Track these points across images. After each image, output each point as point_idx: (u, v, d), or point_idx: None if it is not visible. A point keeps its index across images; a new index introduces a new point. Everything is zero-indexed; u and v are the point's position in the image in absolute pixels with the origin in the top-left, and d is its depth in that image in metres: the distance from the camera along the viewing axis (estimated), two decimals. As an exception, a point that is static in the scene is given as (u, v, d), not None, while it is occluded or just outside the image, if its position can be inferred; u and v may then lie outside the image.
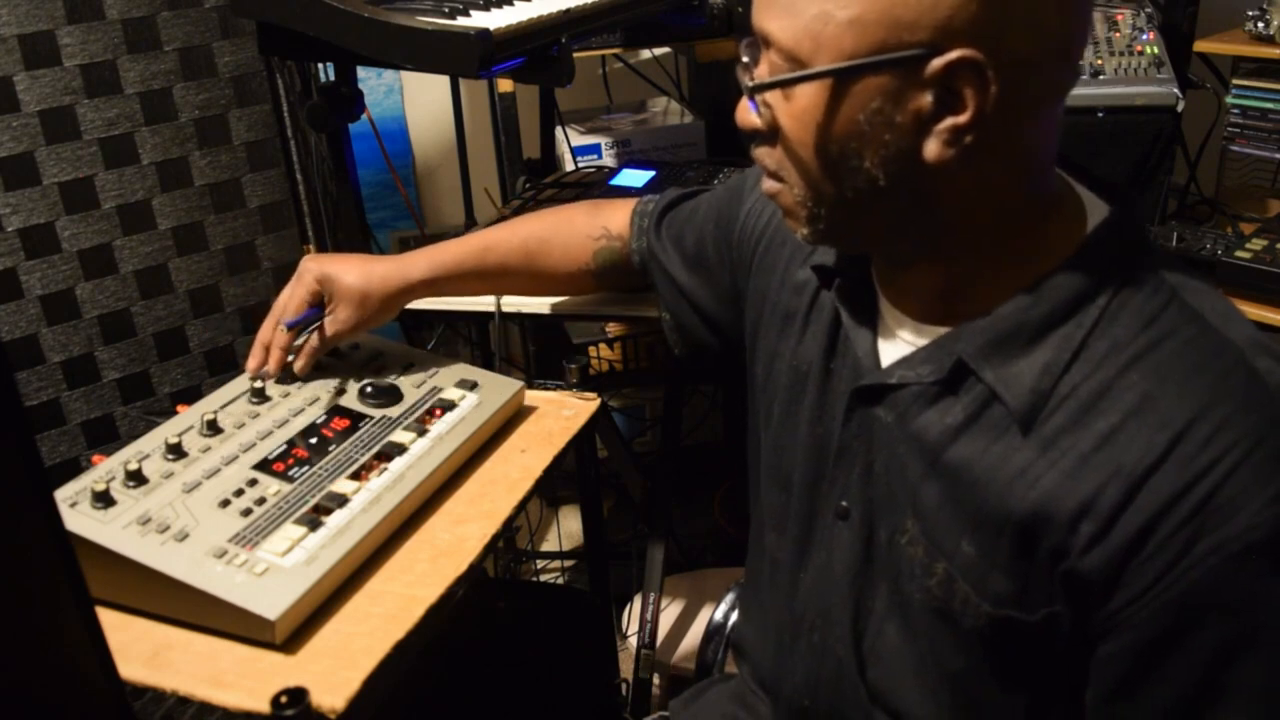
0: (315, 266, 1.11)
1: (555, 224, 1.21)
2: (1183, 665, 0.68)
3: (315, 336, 1.10)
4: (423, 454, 1.01)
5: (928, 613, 0.79)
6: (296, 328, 1.09)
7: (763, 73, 0.75)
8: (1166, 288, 0.73)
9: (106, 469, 0.92)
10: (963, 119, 0.67)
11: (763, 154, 0.79)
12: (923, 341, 0.80)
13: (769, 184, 0.80)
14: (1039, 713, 0.77)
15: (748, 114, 0.77)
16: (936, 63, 0.66)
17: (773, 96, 0.74)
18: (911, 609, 0.81)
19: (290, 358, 1.11)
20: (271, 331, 1.10)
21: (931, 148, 0.69)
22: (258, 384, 1.06)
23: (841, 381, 0.86)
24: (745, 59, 0.76)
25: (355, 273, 1.10)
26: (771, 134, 0.76)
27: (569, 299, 1.32)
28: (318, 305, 1.11)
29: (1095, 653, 0.71)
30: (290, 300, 1.11)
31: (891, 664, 0.84)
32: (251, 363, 1.10)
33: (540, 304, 1.35)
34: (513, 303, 1.33)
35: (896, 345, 0.82)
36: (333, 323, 1.10)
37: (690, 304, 1.13)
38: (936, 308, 0.79)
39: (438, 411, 1.08)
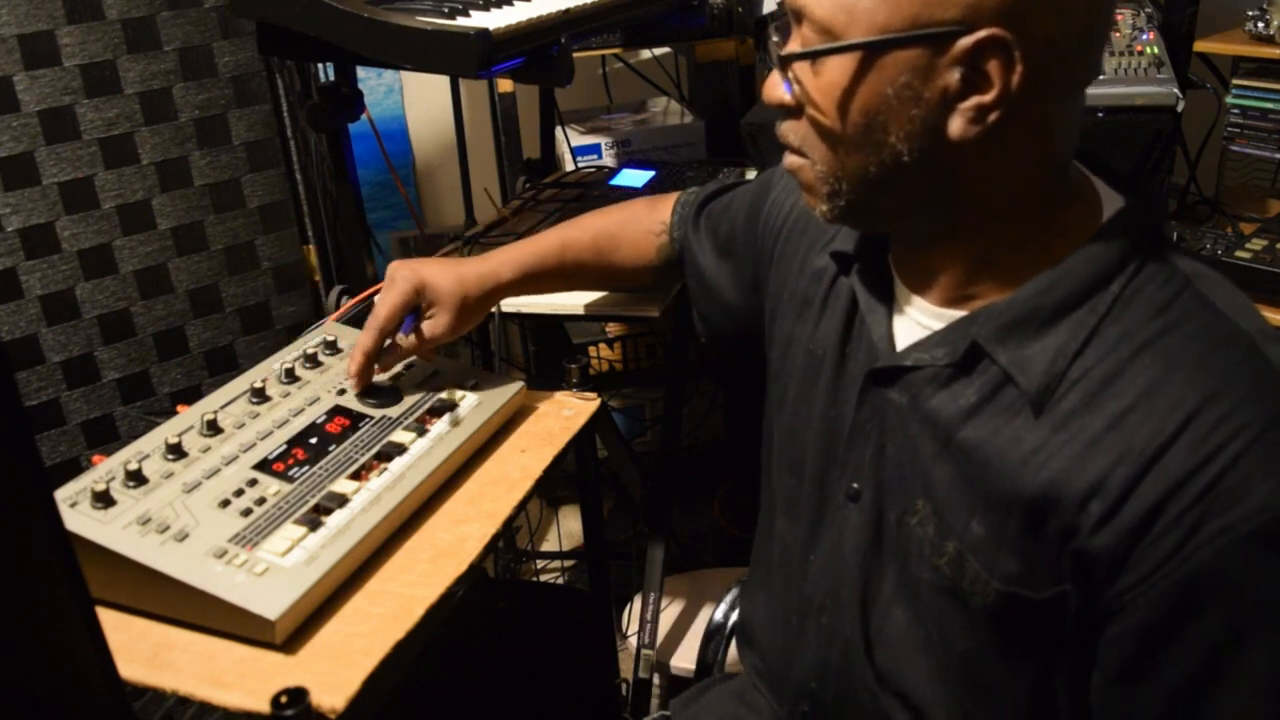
0: (409, 273, 1.10)
1: (621, 221, 1.23)
2: (1188, 647, 0.69)
3: (413, 338, 1.10)
4: (423, 454, 1.01)
5: (937, 593, 0.80)
6: (408, 336, 1.09)
7: (794, 47, 0.76)
8: (1180, 277, 0.74)
9: (106, 469, 0.92)
10: (988, 98, 0.69)
11: (787, 129, 0.80)
12: (937, 325, 0.81)
13: (791, 159, 0.81)
14: (1044, 694, 0.78)
15: (774, 89, 0.79)
16: (965, 41, 0.68)
17: (802, 70, 0.75)
18: (920, 590, 0.81)
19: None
20: (374, 341, 1.08)
21: (956, 125, 0.71)
22: (258, 384, 1.06)
23: (856, 365, 0.87)
24: (775, 37, 0.78)
25: (450, 278, 1.11)
26: (797, 109, 0.78)
27: (568, 298, 1.33)
28: (413, 313, 1.11)
29: (1102, 634, 0.72)
30: (388, 309, 1.09)
31: (899, 646, 0.85)
32: (353, 367, 1.08)
33: (540, 304, 1.36)
34: (512, 302, 1.33)
35: (911, 329, 0.83)
36: (432, 326, 1.10)
37: (711, 289, 1.16)
38: (952, 292, 0.80)
39: (438, 411, 1.08)
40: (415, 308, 1.11)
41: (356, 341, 1.09)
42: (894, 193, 0.76)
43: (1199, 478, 0.66)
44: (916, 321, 0.83)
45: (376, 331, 1.08)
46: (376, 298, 1.11)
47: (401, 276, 1.10)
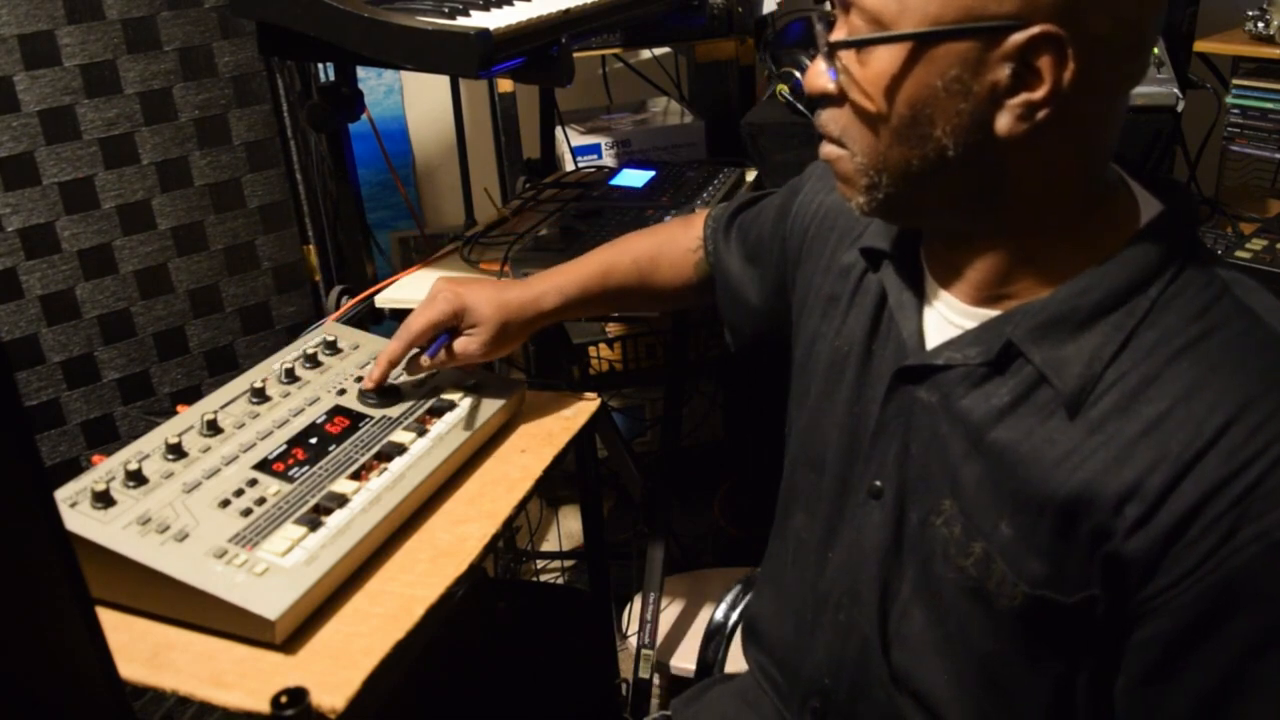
0: (451, 295, 1.10)
1: (658, 242, 1.23)
2: (1217, 651, 0.68)
3: (442, 355, 1.10)
4: (423, 454, 1.01)
5: (960, 593, 0.79)
6: (435, 357, 1.09)
7: (841, 36, 0.75)
8: (1219, 282, 0.73)
9: (106, 469, 0.92)
10: (1038, 95, 0.69)
11: (827, 118, 0.79)
12: (970, 324, 0.80)
13: (828, 149, 0.80)
14: (1065, 696, 0.77)
15: (819, 77, 0.78)
16: (1018, 36, 0.67)
17: (848, 59, 0.75)
18: (942, 591, 0.81)
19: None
20: (401, 352, 1.09)
21: (1004, 121, 0.70)
22: (258, 384, 1.06)
23: (883, 363, 0.87)
24: (819, 26, 0.78)
25: (493, 304, 1.11)
26: (840, 98, 0.77)
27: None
28: (448, 331, 1.10)
29: (1130, 637, 0.72)
30: (424, 324, 1.09)
31: (916, 646, 0.84)
32: (376, 373, 1.08)
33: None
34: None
35: (942, 327, 0.83)
36: (464, 345, 1.10)
37: (736, 294, 1.15)
38: (986, 290, 0.79)
39: (438, 411, 1.08)
40: (450, 328, 1.10)
41: (383, 349, 1.08)
42: (934, 187, 0.76)
43: (1236, 483, 0.66)
44: (947, 319, 0.82)
45: (405, 344, 1.08)
46: (413, 309, 1.10)
47: (443, 296, 1.09)
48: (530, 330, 1.16)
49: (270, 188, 1.80)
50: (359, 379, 1.11)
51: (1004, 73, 0.69)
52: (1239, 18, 1.85)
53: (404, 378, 1.12)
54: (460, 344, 1.10)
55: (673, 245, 1.22)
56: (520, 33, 1.18)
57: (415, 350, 1.10)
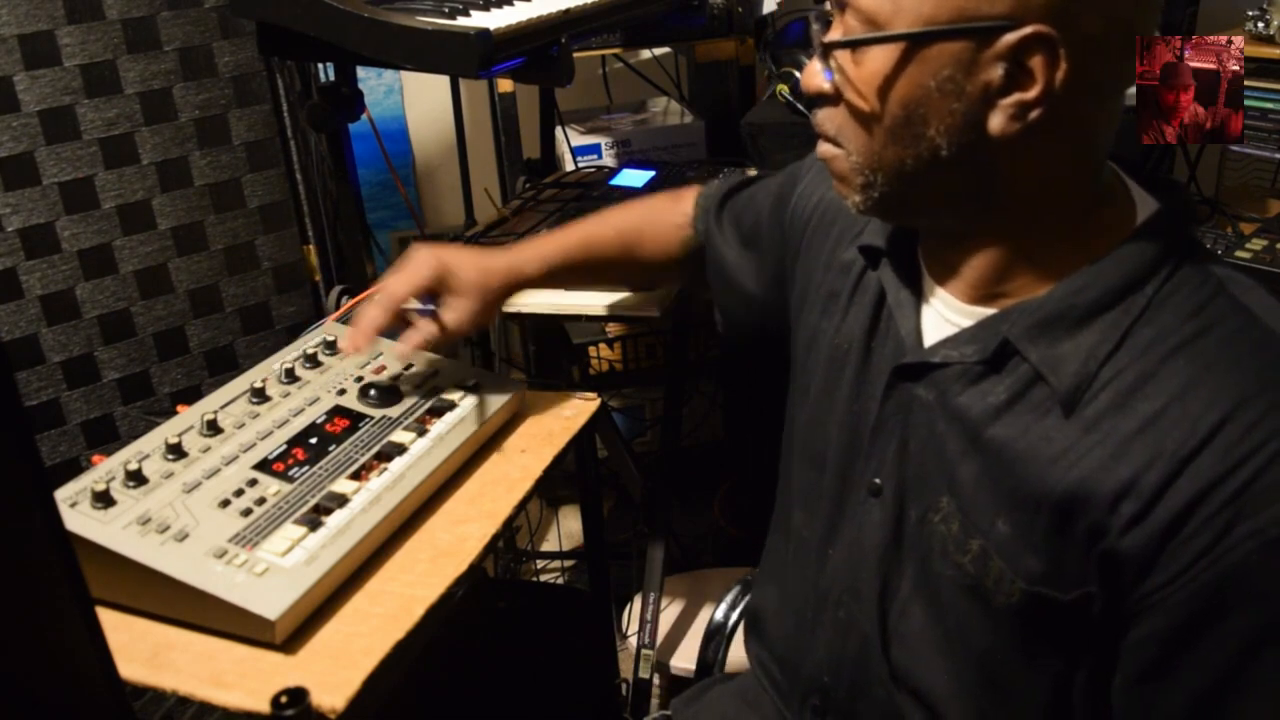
0: (432, 259, 1.07)
1: (644, 214, 1.22)
2: (1212, 650, 0.68)
3: (435, 327, 1.07)
4: (423, 454, 1.01)
5: (959, 591, 0.80)
6: (424, 319, 1.05)
7: (836, 36, 0.76)
8: (1214, 281, 0.74)
9: (106, 469, 0.92)
10: (1030, 95, 0.69)
11: (823, 118, 0.80)
12: (967, 322, 0.81)
13: (824, 148, 0.81)
14: (1063, 694, 0.78)
15: (815, 77, 0.79)
16: (1011, 36, 0.68)
17: (844, 59, 0.75)
18: (941, 588, 0.81)
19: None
20: (386, 318, 1.05)
21: (996, 121, 0.71)
22: (258, 384, 1.06)
23: (882, 360, 0.87)
24: (816, 25, 0.78)
25: (473, 268, 1.09)
26: (835, 97, 0.78)
27: (568, 297, 1.33)
28: (430, 296, 1.07)
29: (1126, 635, 0.72)
30: (407, 287, 1.05)
31: (915, 644, 0.85)
32: (360, 340, 1.04)
33: (540, 304, 1.36)
34: (513, 302, 1.33)
35: (940, 325, 0.83)
36: (456, 318, 1.07)
37: (732, 281, 1.15)
38: (982, 288, 0.80)
39: (438, 411, 1.08)
40: (432, 294, 1.08)
41: (364, 314, 1.04)
42: (929, 186, 0.76)
43: (1231, 480, 0.66)
44: (944, 318, 0.83)
45: (387, 310, 1.04)
46: (391, 274, 1.06)
47: (424, 260, 1.07)
48: (510, 295, 1.14)
49: (270, 188, 1.80)
50: (359, 379, 1.11)
51: (996, 73, 0.69)
52: (1239, 18, 1.85)
53: (403, 376, 1.12)
54: (450, 318, 1.07)
55: (658, 218, 1.21)
56: (520, 33, 1.18)
57: (409, 349, 1.07)
